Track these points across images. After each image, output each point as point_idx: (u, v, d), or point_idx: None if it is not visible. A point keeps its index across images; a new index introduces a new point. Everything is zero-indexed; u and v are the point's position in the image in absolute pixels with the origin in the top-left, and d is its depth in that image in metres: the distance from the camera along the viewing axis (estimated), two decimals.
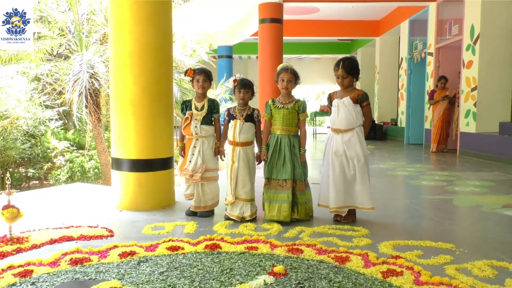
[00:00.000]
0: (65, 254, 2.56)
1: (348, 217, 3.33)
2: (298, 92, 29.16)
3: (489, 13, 7.57)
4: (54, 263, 2.41)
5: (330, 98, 3.42)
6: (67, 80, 5.95)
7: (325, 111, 14.13)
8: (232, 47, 16.00)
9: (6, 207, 2.76)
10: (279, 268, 2.29)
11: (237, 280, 2.17)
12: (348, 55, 3.42)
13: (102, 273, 2.29)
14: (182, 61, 8.64)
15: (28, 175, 8.09)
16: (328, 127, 3.55)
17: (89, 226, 3.21)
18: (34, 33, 6.36)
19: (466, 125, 8.11)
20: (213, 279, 2.18)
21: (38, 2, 6.13)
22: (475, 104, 7.78)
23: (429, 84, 9.73)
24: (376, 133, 12.92)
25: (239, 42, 15.28)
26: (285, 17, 10.15)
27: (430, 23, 9.78)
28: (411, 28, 11.22)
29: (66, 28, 6.55)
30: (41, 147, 7.98)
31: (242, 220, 3.35)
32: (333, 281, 2.15)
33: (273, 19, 9.57)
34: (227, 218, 3.40)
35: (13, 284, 2.13)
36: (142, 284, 2.13)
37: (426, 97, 9.61)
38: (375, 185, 4.89)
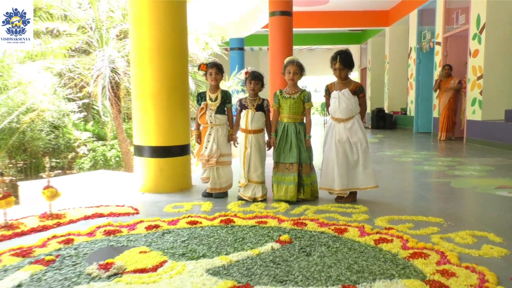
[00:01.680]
0: (99, 227, 2.95)
1: (348, 198, 3.65)
2: (310, 83, 29.34)
3: (495, 2, 7.71)
4: (90, 234, 2.80)
5: (328, 89, 3.70)
6: (90, 74, 6.35)
7: None
8: (244, 39, 16.25)
9: (46, 187, 3.15)
10: (285, 237, 2.63)
11: (248, 246, 2.52)
12: (343, 49, 3.67)
13: (132, 241, 2.66)
14: (195, 54, 8.97)
15: (52, 165, 8.57)
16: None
17: (117, 205, 3.59)
18: (57, 30, 6.76)
19: (472, 113, 8.30)
20: (228, 246, 2.54)
21: (62, 1, 6.52)
22: (481, 93, 7.96)
23: (437, 73, 9.90)
24: (386, 122, 13.13)
25: (251, 34, 15.53)
26: (296, 9, 10.39)
27: (438, 12, 9.92)
28: (419, 18, 11.35)
29: (88, 25, 6.94)
30: (63, 138, 8.42)
31: (254, 200, 3.70)
32: (331, 246, 2.49)
33: (283, 11, 9.80)
34: (240, 199, 3.76)
35: (59, 249, 2.52)
36: (167, 249, 2.50)
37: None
38: (379, 170, 5.20)
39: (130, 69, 4.36)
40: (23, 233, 2.83)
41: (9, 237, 2.76)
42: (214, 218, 3.14)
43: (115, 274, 2.12)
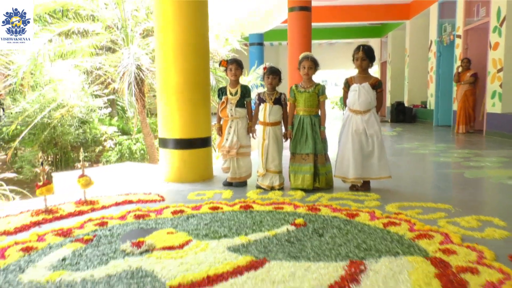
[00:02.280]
0: (129, 212, 3.22)
1: (362, 187, 3.82)
2: (329, 77, 29.25)
3: None
4: (122, 217, 3.07)
5: (348, 82, 3.87)
6: (117, 72, 6.67)
7: None
8: (263, 34, 16.40)
9: (81, 176, 3.45)
10: (299, 221, 2.84)
11: (265, 228, 2.74)
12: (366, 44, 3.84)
13: (160, 224, 2.92)
14: (216, 50, 9.21)
15: (79, 158, 8.99)
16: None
17: (144, 193, 3.87)
18: (85, 30, 7.10)
19: (492, 105, 8.29)
20: (246, 228, 2.76)
21: (91, 2, 6.86)
22: (500, 85, 7.94)
23: (457, 66, 9.87)
24: (406, 116, 13.11)
25: (270, 29, 15.68)
26: (315, 3, 10.48)
27: (459, 5, 9.87)
28: (440, 11, 11.29)
29: (114, 24, 7.26)
30: (90, 132, 8.82)
31: (272, 189, 3.92)
32: (343, 229, 2.69)
33: (302, 7, 9.91)
34: (259, 187, 3.98)
35: (95, 230, 2.79)
36: (191, 230, 2.74)
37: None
38: (395, 162, 5.33)
39: (155, 66, 4.62)
40: (62, 217, 3.13)
41: (50, 220, 3.05)
42: (234, 204, 3.37)
43: (146, 251, 2.37)
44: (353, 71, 3.87)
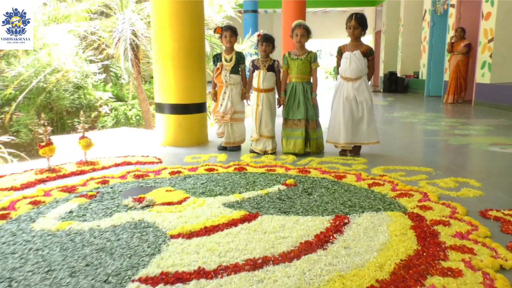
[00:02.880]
0: (129, 172, 3.38)
1: (353, 151, 4.00)
2: (324, 46, 28.96)
3: None
4: (122, 177, 3.24)
5: (341, 50, 3.98)
6: (112, 37, 6.67)
7: None
8: (258, 1, 16.19)
9: (82, 137, 3.59)
10: (290, 181, 3.03)
11: (258, 188, 2.93)
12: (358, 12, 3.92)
13: (159, 183, 3.09)
14: (210, 16, 9.17)
15: (74, 124, 9.09)
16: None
17: (142, 156, 4.02)
18: None
19: (481, 76, 8.43)
20: (240, 187, 2.95)
21: None
22: (490, 56, 8.06)
23: (450, 36, 9.94)
24: (398, 86, 13.25)
25: None
26: None
27: None
28: None
29: None
30: (85, 98, 8.87)
31: (265, 153, 4.09)
32: (330, 189, 2.88)
33: None
34: (252, 152, 4.15)
35: (97, 188, 2.96)
36: (188, 189, 2.92)
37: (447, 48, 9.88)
38: (384, 129, 5.51)
39: (151, 32, 4.67)
40: (65, 176, 3.29)
41: (54, 179, 3.21)
42: (229, 167, 3.55)
43: (147, 206, 2.55)
44: (348, 40, 3.96)
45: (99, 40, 7.46)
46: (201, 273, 1.70)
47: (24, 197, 2.70)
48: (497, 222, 2.22)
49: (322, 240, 2.00)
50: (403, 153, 4.21)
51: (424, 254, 1.84)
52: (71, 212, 2.47)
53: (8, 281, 1.67)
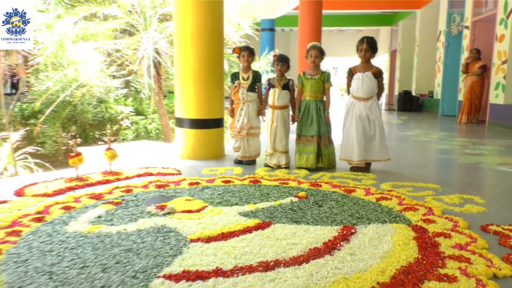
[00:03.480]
0: (151, 182, 3.61)
1: (364, 167, 4.16)
2: (339, 64, 29.15)
3: None
4: (145, 186, 3.46)
5: (351, 71, 4.18)
6: (136, 55, 7.02)
7: None
8: (275, 20, 16.56)
9: (108, 149, 3.84)
10: (302, 194, 3.21)
11: (272, 199, 3.11)
12: (369, 35, 4.13)
13: (179, 193, 3.30)
14: (227, 35, 9.50)
15: (96, 136, 9.45)
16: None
17: (162, 167, 4.25)
18: (103, 14, 7.42)
19: (495, 96, 8.51)
20: (255, 198, 3.14)
21: None
22: (504, 77, 8.16)
23: (464, 57, 10.06)
24: (412, 104, 13.35)
25: (282, 15, 15.83)
26: None
27: None
28: (450, 1, 11.40)
29: (133, 9, 7.58)
30: (107, 112, 9.22)
31: (278, 167, 4.28)
32: (340, 201, 3.05)
33: None
34: (266, 166, 4.34)
35: (122, 196, 3.19)
36: (206, 199, 3.12)
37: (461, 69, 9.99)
38: (395, 147, 5.65)
39: (174, 51, 4.95)
40: (92, 184, 3.53)
41: (82, 187, 3.45)
42: (244, 179, 3.74)
43: (169, 213, 2.76)
44: (358, 62, 4.16)
45: (122, 57, 7.83)
46: (218, 272, 1.89)
47: (57, 203, 2.94)
48: (496, 236, 2.36)
49: (329, 247, 2.17)
50: (413, 170, 4.35)
51: (424, 262, 2.00)
52: (99, 217, 2.69)
53: (48, 274, 1.88)
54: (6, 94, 9.31)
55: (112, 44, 7.56)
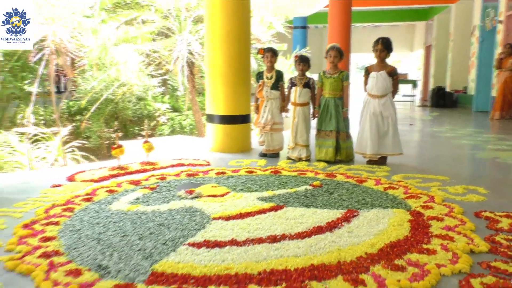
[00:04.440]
0: (182, 171, 4.04)
1: (379, 161, 4.42)
2: (372, 61, 28.97)
3: None
4: (177, 175, 3.90)
5: (368, 70, 4.43)
6: (172, 56, 7.54)
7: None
8: (307, 17, 16.74)
9: (145, 142, 4.31)
10: (316, 183, 3.54)
11: (289, 187, 3.46)
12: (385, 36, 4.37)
13: (206, 181, 3.71)
14: (254, 34, 9.87)
15: (135, 131, 10.11)
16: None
17: (194, 159, 4.69)
18: (142, 19, 7.99)
19: None
20: (274, 186, 3.50)
21: None
22: None
23: (498, 52, 9.93)
24: (446, 100, 13.20)
25: (315, 12, 15.99)
26: None
27: None
28: None
29: (169, 13, 8.12)
30: (145, 109, 9.85)
31: (299, 160, 4.61)
32: (350, 190, 3.36)
33: None
34: (289, 158, 4.69)
35: (157, 182, 3.64)
36: (230, 186, 3.51)
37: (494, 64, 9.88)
38: (418, 142, 5.83)
39: (205, 52, 5.37)
40: (131, 173, 4.01)
41: (123, 174, 3.94)
42: (266, 170, 4.11)
43: (196, 197, 3.17)
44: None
45: (160, 57, 8.37)
46: (233, 242, 2.27)
47: (102, 187, 3.43)
48: (487, 221, 2.60)
49: (331, 226, 2.51)
50: (428, 164, 4.56)
51: (412, 239, 2.29)
52: (137, 199, 3.14)
53: (96, 240, 2.33)
54: (55, 92, 10.15)
55: (150, 46, 8.12)
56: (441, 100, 13.26)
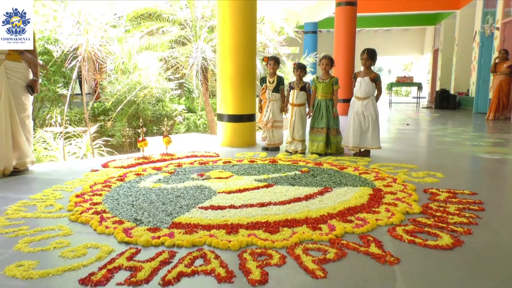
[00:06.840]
0: (195, 161, 4.86)
1: (363, 153, 5.15)
2: (385, 63, 29.27)
3: None
4: (191, 164, 4.71)
5: (355, 76, 5.17)
6: (188, 62, 8.41)
7: (401, 82, 15.22)
8: (318, 23, 17.45)
9: (165, 136, 5.14)
10: (305, 169, 4.30)
11: (281, 172, 4.23)
12: (371, 47, 5.10)
13: (215, 167, 4.51)
14: (261, 42, 10.65)
15: (154, 130, 11.02)
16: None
17: (205, 152, 5.50)
18: (163, 30, 8.88)
19: None
20: (269, 172, 4.27)
21: (170, 5, 8.65)
22: None
23: (494, 57, 10.51)
24: (449, 102, 13.78)
25: (325, 17, 16.68)
26: None
27: None
28: (485, 1, 11.80)
29: (186, 23, 8.99)
30: (163, 109, 10.74)
31: (296, 152, 5.38)
32: (331, 174, 4.11)
33: (348, 2, 11.01)
34: (287, 151, 5.46)
35: (174, 168, 4.46)
36: (234, 171, 4.30)
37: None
38: (406, 139, 6.51)
39: (216, 58, 6.18)
40: (153, 161, 4.84)
41: (147, 163, 4.77)
42: (266, 160, 4.89)
43: (205, 179, 3.97)
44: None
45: (177, 63, 9.24)
46: (231, 206, 3.06)
47: (131, 172, 4.26)
48: (431, 195, 3.33)
49: (307, 197, 3.27)
50: (406, 156, 5.25)
51: (366, 205, 3.04)
52: (159, 179, 3.96)
53: (131, 205, 3.14)
54: (78, 94, 11.15)
55: (168, 52, 9.01)
56: (445, 102, 13.85)
